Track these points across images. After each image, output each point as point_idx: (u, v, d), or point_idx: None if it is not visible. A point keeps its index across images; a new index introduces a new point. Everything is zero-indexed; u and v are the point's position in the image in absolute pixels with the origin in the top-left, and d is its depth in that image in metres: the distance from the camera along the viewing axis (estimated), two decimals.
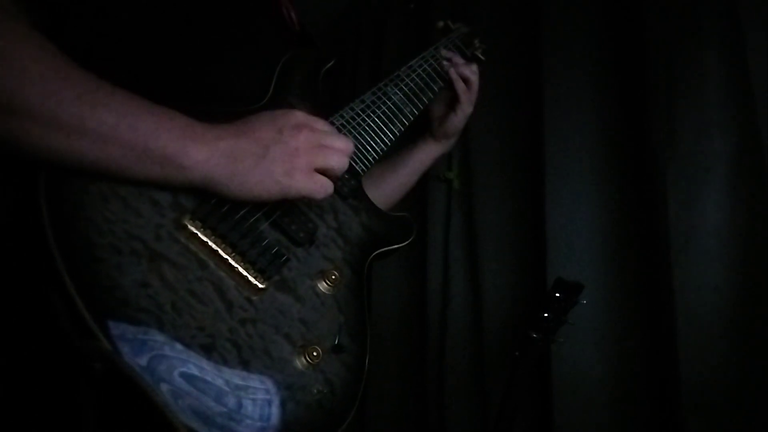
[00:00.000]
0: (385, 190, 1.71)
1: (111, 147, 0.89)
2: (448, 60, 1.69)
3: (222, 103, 1.15)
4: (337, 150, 1.07)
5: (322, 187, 1.05)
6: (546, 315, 2.00)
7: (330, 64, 1.37)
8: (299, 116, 1.07)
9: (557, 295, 2.00)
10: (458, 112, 1.70)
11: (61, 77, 0.89)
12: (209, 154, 0.95)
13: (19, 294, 0.91)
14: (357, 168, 1.32)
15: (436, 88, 1.62)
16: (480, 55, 1.82)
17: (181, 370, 0.86)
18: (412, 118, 1.52)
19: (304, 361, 0.99)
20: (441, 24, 1.87)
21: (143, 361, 0.83)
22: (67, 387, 0.89)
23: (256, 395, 0.92)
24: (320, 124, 1.09)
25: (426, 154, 1.77)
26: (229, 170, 0.97)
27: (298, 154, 1.02)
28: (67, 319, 0.82)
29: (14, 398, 0.94)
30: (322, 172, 1.06)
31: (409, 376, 2.89)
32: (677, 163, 2.17)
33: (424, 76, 1.60)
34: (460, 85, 1.68)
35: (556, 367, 2.31)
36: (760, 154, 2.02)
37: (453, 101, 1.71)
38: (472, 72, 1.70)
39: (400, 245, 1.34)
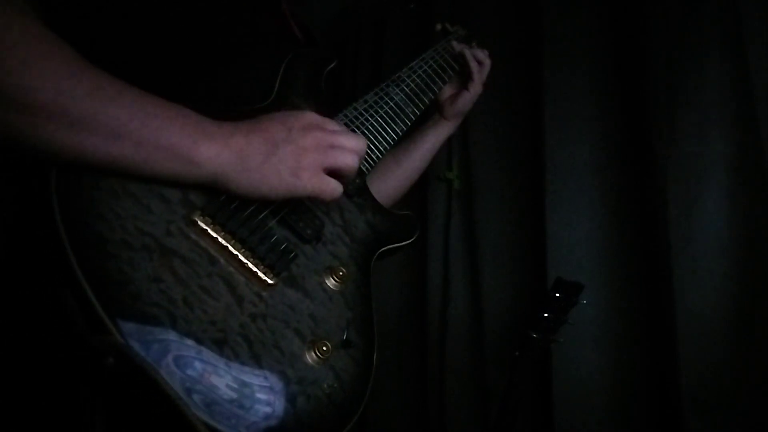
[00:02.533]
0: (402, 174, 1.77)
1: (123, 143, 0.90)
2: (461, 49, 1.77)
3: (228, 104, 1.15)
4: (347, 150, 1.07)
5: (330, 187, 1.05)
6: (546, 315, 2.00)
7: (333, 65, 1.38)
8: (310, 116, 1.08)
9: (557, 295, 2.01)
10: (471, 91, 1.78)
11: (74, 74, 0.89)
12: (219, 150, 0.96)
13: (31, 290, 0.91)
14: (361, 167, 1.32)
15: (436, 89, 1.65)
16: None
17: (194, 364, 0.86)
18: (414, 118, 1.54)
19: (314, 356, 0.99)
20: (439, 26, 1.90)
21: (156, 356, 0.83)
22: (78, 383, 0.88)
23: (269, 389, 0.92)
24: (331, 125, 1.09)
25: (437, 136, 1.82)
26: (238, 167, 0.97)
27: (307, 154, 1.02)
28: (79, 314, 0.82)
29: (26, 395, 0.94)
30: (331, 172, 1.06)
31: (409, 376, 2.89)
32: (677, 163, 2.18)
33: (425, 77, 1.62)
34: (474, 65, 1.76)
35: (556, 367, 2.31)
36: (760, 154, 2.03)
37: (466, 80, 1.78)
38: (484, 55, 1.80)
39: (405, 243, 1.35)
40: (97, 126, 0.88)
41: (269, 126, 1.02)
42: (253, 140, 0.99)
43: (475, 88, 1.78)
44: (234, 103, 1.16)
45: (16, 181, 0.93)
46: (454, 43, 1.77)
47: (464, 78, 1.79)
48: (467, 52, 1.76)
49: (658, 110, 2.23)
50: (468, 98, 1.79)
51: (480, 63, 1.78)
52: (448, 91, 1.80)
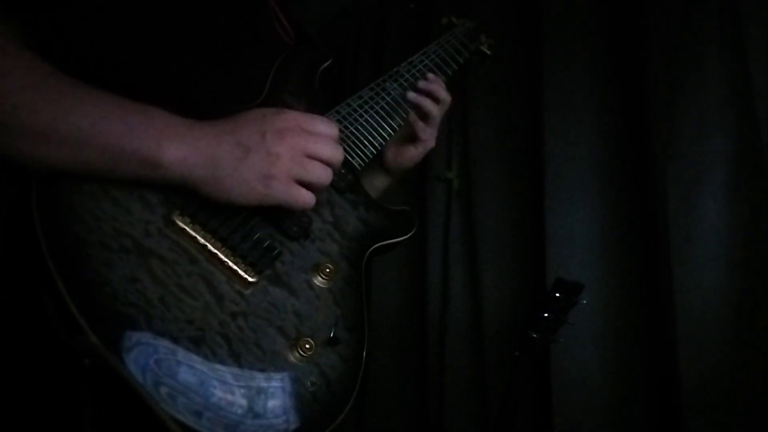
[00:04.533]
0: None
1: (87, 151, 0.89)
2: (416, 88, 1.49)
3: (220, 105, 1.14)
4: (323, 159, 1.04)
5: (301, 198, 1.01)
6: (546, 315, 2.00)
7: (327, 63, 1.36)
8: (288, 118, 1.03)
9: (557, 295, 2.00)
10: (418, 149, 1.51)
11: (33, 86, 0.89)
12: (187, 153, 0.94)
13: (9, 292, 0.91)
14: (354, 162, 1.30)
15: None
16: (486, 50, 1.78)
17: (169, 364, 0.86)
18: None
19: (298, 353, 0.99)
20: (445, 20, 1.82)
21: (132, 356, 0.83)
22: (62, 384, 0.89)
23: (248, 388, 0.92)
24: (312, 124, 1.05)
25: (372, 191, 1.46)
26: (206, 172, 0.95)
27: (279, 162, 0.99)
28: (56, 315, 0.82)
29: (9, 397, 0.94)
30: (303, 184, 1.02)
31: (409, 375, 2.90)
32: (677, 163, 2.18)
33: (426, 71, 1.56)
34: (419, 125, 1.48)
35: (556, 367, 2.31)
36: (760, 154, 2.03)
37: (413, 137, 1.50)
38: (441, 88, 1.50)
39: (400, 239, 1.32)
40: (60, 136, 0.88)
41: (243, 128, 1.00)
42: (223, 144, 0.97)
43: (423, 146, 1.50)
44: (229, 103, 1.15)
45: (15, 182, 0.92)
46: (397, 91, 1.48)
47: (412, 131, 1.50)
48: (413, 99, 1.46)
49: (658, 110, 2.23)
50: (414, 156, 1.51)
51: (426, 116, 1.48)
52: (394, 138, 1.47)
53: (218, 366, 0.90)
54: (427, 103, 1.47)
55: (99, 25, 1.04)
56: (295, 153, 1.01)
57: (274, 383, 0.95)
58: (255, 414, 0.91)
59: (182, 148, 0.94)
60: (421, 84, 1.48)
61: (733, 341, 2.04)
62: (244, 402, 0.90)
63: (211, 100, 1.13)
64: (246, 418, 0.90)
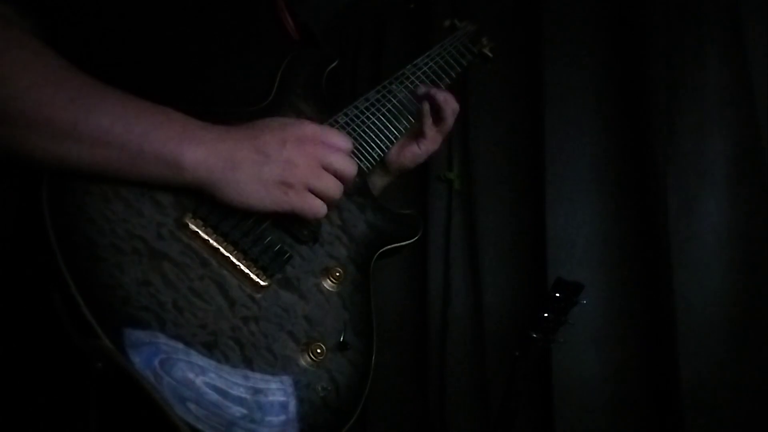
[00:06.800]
0: None
1: (107, 150, 0.89)
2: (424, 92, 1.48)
3: (226, 105, 1.14)
4: (337, 172, 1.05)
5: (314, 208, 1.02)
6: (546, 315, 2.00)
7: (334, 64, 1.36)
8: (307, 128, 1.04)
9: (557, 295, 2.00)
10: (422, 148, 1.50)
11: (54, 83, 0.88)
12: (206, 154, 0.94)
13: (21, 295, 0.91)
14: (362, 165, 1.30)
15: (442, 86, 1.59)
16: (488, 53, 1.78)
17: (182, 368, 0.85)
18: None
19: (309, 358, 0.98)
20: (447, 23, 1.82)
21: (145, 360, 0.83)
22: (70, 387, 0.88)
23: (259, 393, 0.91)
24: (328, 136, 1.06)
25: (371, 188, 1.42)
26: (225, 175, 0.95)
27: (296, 171, 1.00)
28: (68, 318, 0.81)
29: (18, 398, 0.93)
30: (316, 194, 1.03)
31: (409, 376, 2.90)
32: (677, 163, 2.18)
33: (430, 73, 1.55)
34: (428, 121, 1.47)
35: (556, 367, 2.31)
36: (760, 154, 2.03)
37: (418, 134, 1.49)
38: (447, 104, 1.48)
39: (407, 243, 1.32)
40: (80, 134, 0.87)
41: (263, 134, 1.00)
42: (243, 148, 0.97)
43: (427, 146, 1.49)
44: (235, 103, 1.15)
45: (25, 181, 0.92)
46: (402, 88, 1.48)
47: (419, 130, 1.49)
48: (425, 105, 1.46)
49: (658, 110, 2.23)
50: (417, 155, 1.50)
51: (438, 114, 1.47)
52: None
53: (231, 371, 0.89)
54: (449, 109, 1.47)
55: (101, 25, 1.03)
56: (311, 163, 1.01)
57: (287, 388, 0.95)
58: (268, 420, 0.91)
59: (201, 149, 0.93)
60: (434, 91, 1.47)
61: (733, 341, 2.04)
62: (255, 407, 0.90)
63: (217, 101, 1.13)
64: (258, 423, 0.89)
